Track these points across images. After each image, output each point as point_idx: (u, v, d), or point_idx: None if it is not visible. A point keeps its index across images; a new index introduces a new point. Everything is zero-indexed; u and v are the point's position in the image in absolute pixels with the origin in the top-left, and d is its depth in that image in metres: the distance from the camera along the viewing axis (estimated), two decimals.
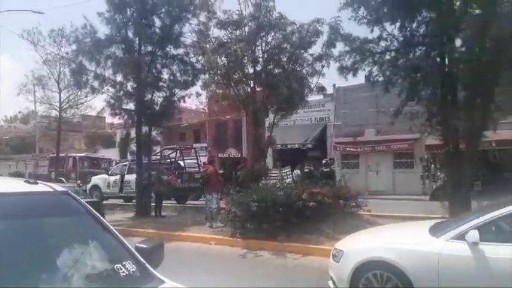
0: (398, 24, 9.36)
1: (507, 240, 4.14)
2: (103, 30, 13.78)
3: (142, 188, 13.47)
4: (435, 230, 4.68)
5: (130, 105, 13.63)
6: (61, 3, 37.43)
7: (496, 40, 8.32)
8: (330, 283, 5.13)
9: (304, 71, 12.59)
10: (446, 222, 5.05)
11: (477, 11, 8.65)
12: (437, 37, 8.89)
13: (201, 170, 14.57)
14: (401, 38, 9.45)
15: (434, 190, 17.12)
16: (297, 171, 19.12)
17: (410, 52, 9.43)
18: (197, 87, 13.84)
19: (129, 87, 13.49)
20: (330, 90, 23.40)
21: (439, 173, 18.20)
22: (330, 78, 26.91)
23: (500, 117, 9.74)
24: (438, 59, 9.03)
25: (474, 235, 4.10)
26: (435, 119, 9.36)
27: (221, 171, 14.85)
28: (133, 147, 15.95)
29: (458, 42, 8.94)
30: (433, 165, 19.76)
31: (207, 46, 12.63)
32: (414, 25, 9.40)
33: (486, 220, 4.25)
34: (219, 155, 26.76)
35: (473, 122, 8.61)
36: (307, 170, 18.27)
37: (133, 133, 14.68)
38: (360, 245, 5.13)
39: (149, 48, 13.34)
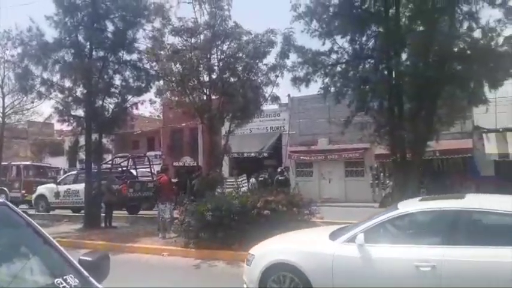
0: (348, 37, 9.76)
1: (389, 241, 4.70)
2: (51, 34, 13.23)
3: (92, 198, 12.95)
4: (334, 235, 5.09)
5: (80, 112, 13.12)
6: (7, 3, 35.48)
7: (438, 56, 8.90)
8: (244, 286, 5.36)
9: (259, 81, 12.73)
10: (346, 227, 5.36)
11: (421, 28, 9.22)
12: (384, 51, 9.36)
13: (154, 178, 14.24)
14: (351, 51, 9.86)
15: (384, 197, 17.83)
16: (253, 180, 19.25)
17: (359, 65, 9.85)
18: (151, 94, 13.59)
19: (78, 93, 12.99)
20: (285, 100, 23.94)
21: (387, 181, 18.99)
22: (285, 88, 27.35)
23: (443, 128, 10.38)
24: (386, 72, 9.49)
25: (361, 238, 4.59)
26: (383, 130, 9.79)
27: (175, 180, 14.64)
28: (82, 155, 15.32)
29: (404, 56, 9.47)
30: (382, 174, 20.57)
31: (162, 53, 12.45)
32: (364, 39, 9.85)
33: (372, 224, 4.78)
34: (174, 164, 26.33)
35: (418, 133, 9.12)
36: (262, 178, 18.43)
37: (82, 140, 14.10)
38: (268, 249, 5.47)
39: (101, 53, 12.93)
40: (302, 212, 9.84)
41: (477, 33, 8.72)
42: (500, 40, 8.71)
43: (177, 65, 12.31)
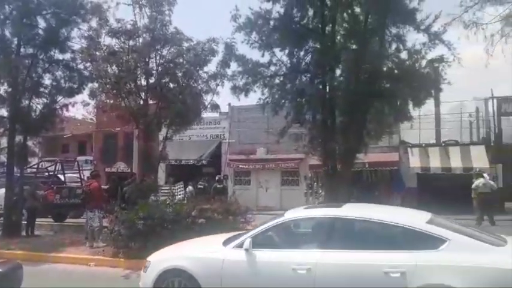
0: (287, 51, 10.07)
1: (274, 246, 5.03)
2: None
3: (12, 204, 11.97)
4: (228, 241, 5.34)
5: (3, 111, 12.15)
6: None
7: (369, 74, 9.47)
8: None
9: (199, 88, 12.67)
10: (239, 234, 5.62)
11: (354, 47, 9.77)
12: (320, 66, 9.78)
13: (84, 184, 13.53)
14: (289, 64, 10.17)
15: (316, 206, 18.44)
16: (190, 187, 18.97)
17: (296, 78, 10.19)
18: (84, 96, 12.93)
19: (2, 91, 12.03)
20: (225, 108, 24.04)
21: (320, 191, 19.68)
22: (226, 97, 27.51)
23: (371, 141, 11.02)
24: (321, 86, 9.91)
25: (247, 243, 4.87)
26: (316, 141, 10.19)
27: (105, 187, 13.99)
28: (4, 158, 14.14)
29: (338, 72, 9.97)
30: (315, 183, 21.27)
31: (97, 53, 11.94)
32: (301, 53, 10.21)
33: (260, 230, 5.13)
34: (106, 169, 25.22)
35: (348, 145, 9.59)
36: (200, 186, 18.23)
37: (4, 142, 13.02)
38: (164, 256, 5.65)
39: (30, 50, 12.08)
40: (238, 220, 9.88)
41: (404, 55, 9.43)
42: (424, 62, 9.48)
43: (113, 67, 11.88)
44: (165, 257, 5.55)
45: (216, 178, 17.28)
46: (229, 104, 23.39)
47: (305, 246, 4.96)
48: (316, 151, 10.57)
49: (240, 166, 23.55)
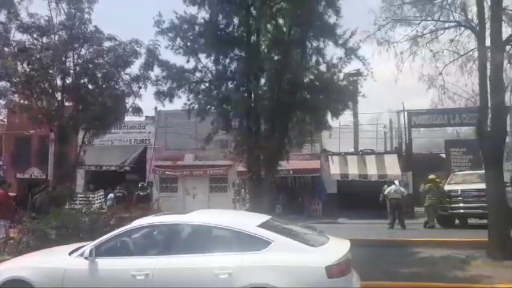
0: (212, 57, 10.08)
1: (118, 253, 5.19)
2: None
3: None
4: (74, 250, 5.46)
5: None
6: None
7: (291, 84, 9.78)
8: None
9: (121, 90, 12.15)
10: (90, 243, 5.64)
11: (277, 57, 10.05)
12: (245, 74, 9.91)
13: None
14: (215, 71, 10.18)
15: None
16: (111, 195, 18.08)
17: (222, 85, 10.22)
18: None
19: None
20: (152, 113, 23.36)
21: (247, 197, 19.89)
22: (152, 101, 26.68)
23: (293, 149, 11.39)
24: (246, 94, 10.04)
25: (87, 251, 5.07)
26: (241, 148, 10.29)
27: (13, 194, 12.80)
28: None
29: (263, 81, 10.18)
30: (243, 190, 21.46)
31: (6, 49, 10.96)
32: (227, 61, 10.27)
33: (106, 238, 5.30)
34: (18, 176, 23.18)
35: (271, 152, 9.81)
36: (119, 194, 17.46)
37: None
38: (5, 266, 5.72)
39: None
40: None
41: (323, 67, 9.90)
42: (342, 75, 10.04)
43: (24, 65, 10.98)
44: (7, 268, 5.58)
45: (139, 185, 16.67)
46: (155, 108, 22.79)
47: (146, 253, 5.15)
48: (241, 158, 10.68)
49: (167, 173, 22.98)
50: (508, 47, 10.31)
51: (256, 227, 4.93)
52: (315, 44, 9.76)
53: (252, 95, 10.01)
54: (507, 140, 13.74)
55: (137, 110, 12.80)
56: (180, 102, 10.39)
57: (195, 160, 22.58)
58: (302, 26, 9.27)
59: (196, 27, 9.78)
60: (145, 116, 14.00)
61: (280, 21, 9.97)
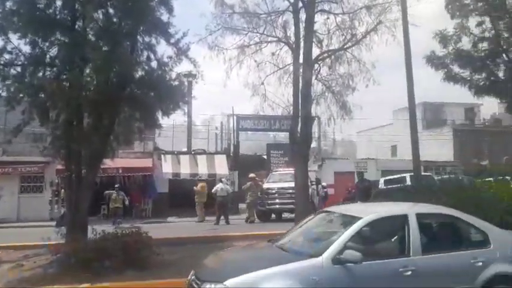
0: (28, 39, 8.85)
1: None
2: None
3: None
4: None
5: None
6: None
7: (120, 77, 9.30)
8: None
9: None
10: None
11: (105, 48, 9.44)
12: (67, 62, 9.02)
13: None
14: (29, 55, 8.96)
15: (62, 215, 16.85)
16: None
17: (39, 71, 9.08)
18: None
19: None
20: None
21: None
22: None
23: (120, 147, 10.88)
24: (67, 84, 9.12)
25: None
26: (59, 143, 9.31)
27: None
28: None
29: (88, 71, 9.41)
30: (63, 190, 19.47)
31: None
32: (46, 45, 9.17)
33: None
34: None
35: (94, 149, 9.17)
36: None
37: None
38: None
39: None
40: None
41: (155, 64, 9.75)
42: (174, 75, 10.07)
43: None
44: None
45: None
46: None
47: None
48: (59, 154, 9.67)
49: None
50: (316, 66, 12.14)
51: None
52: (146, 39, 9.53)
53: (75, 86, 9.16)
54: (313, 145, 16.11)
55: None
56: None
57: (3, 155, 19.44)
58: (133, 18, 8.94)
59: (8, 3, 8.45)
60: None
61: (111, 10, 9.42)
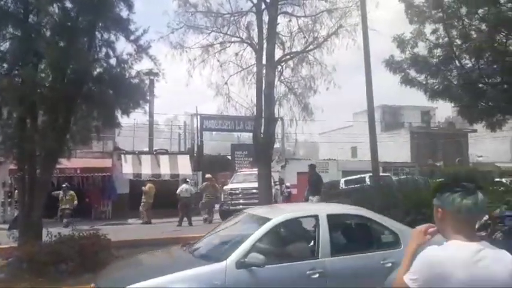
0: None
1: None
2: None
3: None
4: None
5: None
6: None
7: (77, 74, 8.98)
8: None
9: None
10: None
11: (61, 43, 9.09)
12: (20, 57, 8.62)
13: None
14: None
15: (15, 218, 16.06)
16: None
17: None
18: None
19: None
20: None
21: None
22: None
23: (76, 146, 10.50)
24: (20, 80, 8.71)
25: None
26: (11, 142, 8.86)
27: None
28: None
29: (42, 67, 9.02)
30: (17, 191, 18.56)
31: None
32: None
33: None
34: None
35: (49, 148, 8.79)
36: None
37: None
38: None
39: None
40: None
41: (113, 61, 9.47)
42: (133, 73, 9.82)
43: None
44: None
45: None
46: None
47: None
48: (11, 153, 9.22)
49: None
50: (279, 67, 12.25)
51: None
52: (105, 35, 9.25)
53: (28, 82, 8.74)
54: (276, 145, 16.23)
55: None
56: None
57: None
58: (91, 14, 8.66)
59: None
60: None
61: (68, 4, 9.08)
